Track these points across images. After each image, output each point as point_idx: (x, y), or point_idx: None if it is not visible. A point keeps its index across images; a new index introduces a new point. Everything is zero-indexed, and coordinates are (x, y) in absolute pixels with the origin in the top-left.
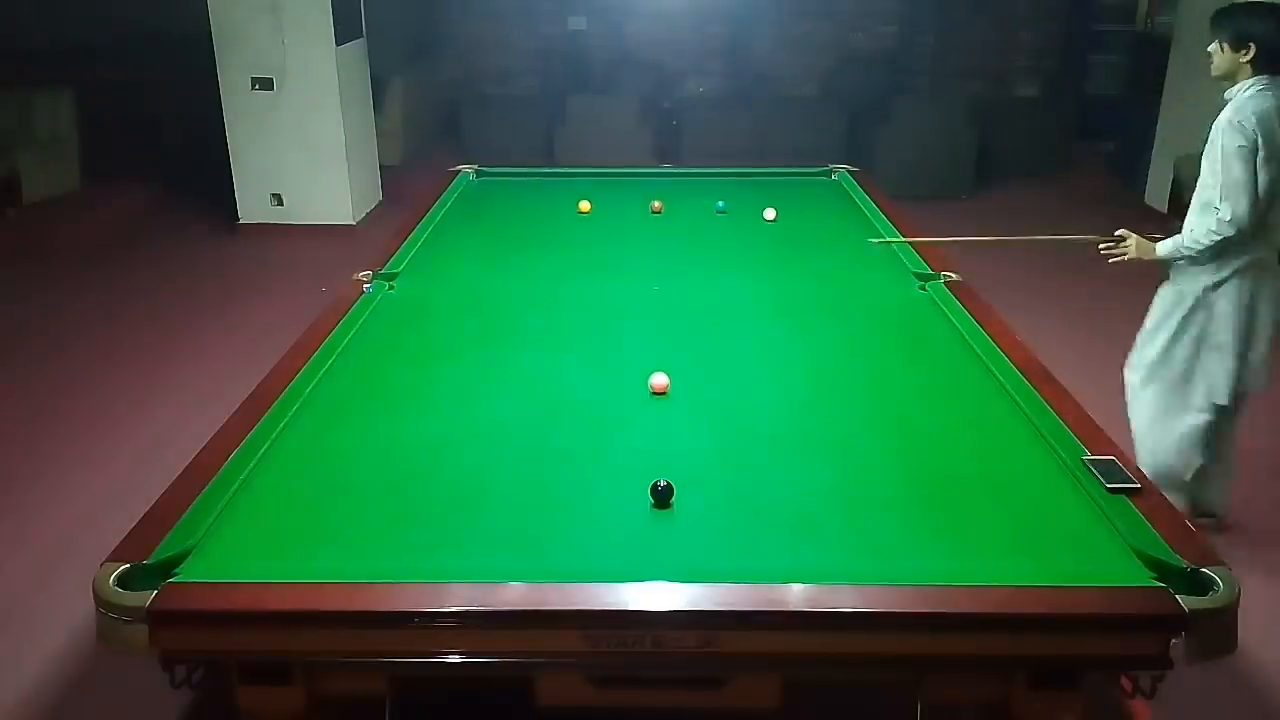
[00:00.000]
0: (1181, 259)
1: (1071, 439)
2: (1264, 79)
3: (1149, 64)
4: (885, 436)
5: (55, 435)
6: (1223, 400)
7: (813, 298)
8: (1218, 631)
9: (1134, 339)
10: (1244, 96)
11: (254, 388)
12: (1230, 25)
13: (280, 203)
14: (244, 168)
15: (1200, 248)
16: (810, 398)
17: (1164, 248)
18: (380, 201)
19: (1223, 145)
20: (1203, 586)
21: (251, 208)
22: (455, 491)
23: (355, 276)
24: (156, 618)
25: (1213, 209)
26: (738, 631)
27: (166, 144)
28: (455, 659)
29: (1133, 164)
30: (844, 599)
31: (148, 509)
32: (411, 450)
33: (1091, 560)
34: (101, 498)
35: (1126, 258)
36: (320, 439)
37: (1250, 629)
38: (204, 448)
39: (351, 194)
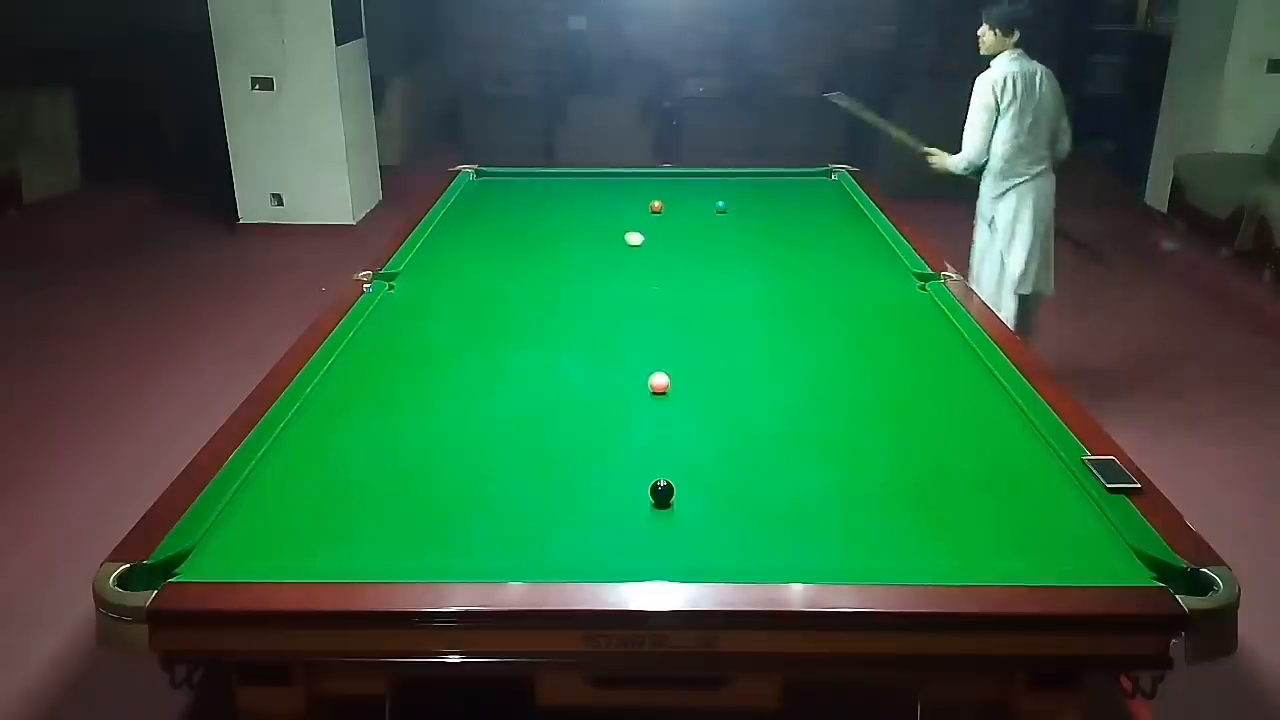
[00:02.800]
0: (968, 177)
1: (1071, 439)
2: (1019, 51)
3: (1149, 64)
4: (885, 436)
5: (55, 435)
6: (1025, 290)
7: (812, 297)
8: (1218, 631)
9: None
10: (1006, 61)
11: (254, 388)
12: (1000, 15)
13: (280, 203)
14: (244, 168)
15: (956, 170)
16: (810, 398)
17: (950, 162)
18: (380, 201)
19: (977, 103)
20: (1203, 586)
21: (251, 208)
22: (455, 491)
23: (355, 276)
24: (156, 618)
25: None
26: (738, 631)
27: (166, 144)
28: (455, 659)
29: (1133, 164)
30: (844, 599)
31: (148, 509)
32: (411, 450)
33: (1091, 560)
34: (102, 498)
35: (935, 165)
36: (320, 439)
37: (1250, 629)
38: (204, 448)
39: (351, 194)
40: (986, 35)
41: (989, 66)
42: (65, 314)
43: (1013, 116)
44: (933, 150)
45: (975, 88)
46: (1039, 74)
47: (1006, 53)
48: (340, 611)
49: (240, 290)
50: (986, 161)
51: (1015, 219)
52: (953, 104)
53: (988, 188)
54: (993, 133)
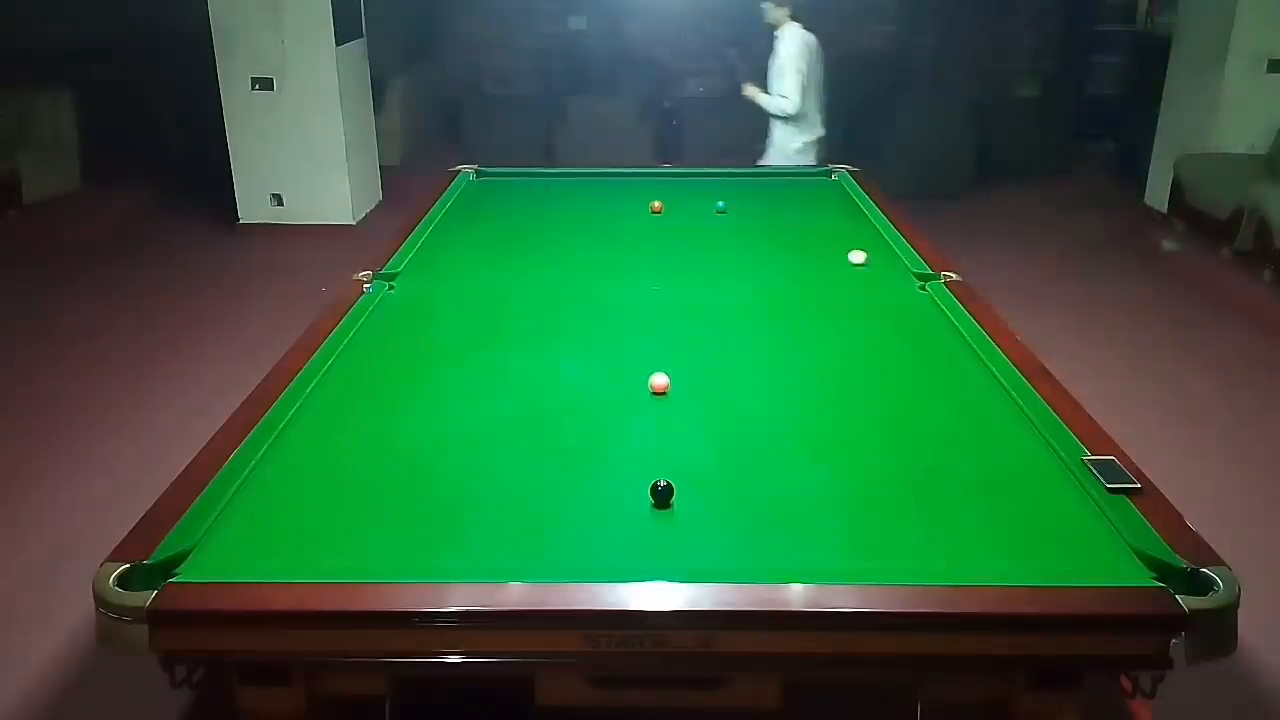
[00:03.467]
0: (772, 115)
1: (1071, 439)
2: (798, 24)
3: (1149, 64)
4: (885, 437)
5: (55, 435)
6: None
7: (812, 298)
8: (1218, 631)
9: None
10: (795, 30)
11: (254, 388)
12: None
13: (280, 203)
14: (244, 168)
15: (776, 111)
16: (810, 398)
17: (764, 100)
18: (380, 201)
19: (790, 53)
20: (1203, 586)
21: (251, 208)
22: (455, 491)
23: (355, 276)
24: (157, 618)
25: (779, 95)
26: (738, 631)
27: (166, 144)
28: (455, 659)
29: (1133, 164)
30: (844, 599)
31: (148, 509)
32: (411, 450)
33: (1091, 560)
34: (102, 498)
35: (750, 94)
36: (320, 439)
37: (1250, 629)
38: (204, 447)
39: (351, 194)
40: (771, 11)
41: (778, 37)
42: (65, 314)
43: (810, 75)
44: (757, 90)
45: (786, 45)
46: (816, 42)
47: (792, 22)
48: (340, 611)
49: (240, 290)
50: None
51: (785, 149)
52: (953, 104)
53: (788, 136)
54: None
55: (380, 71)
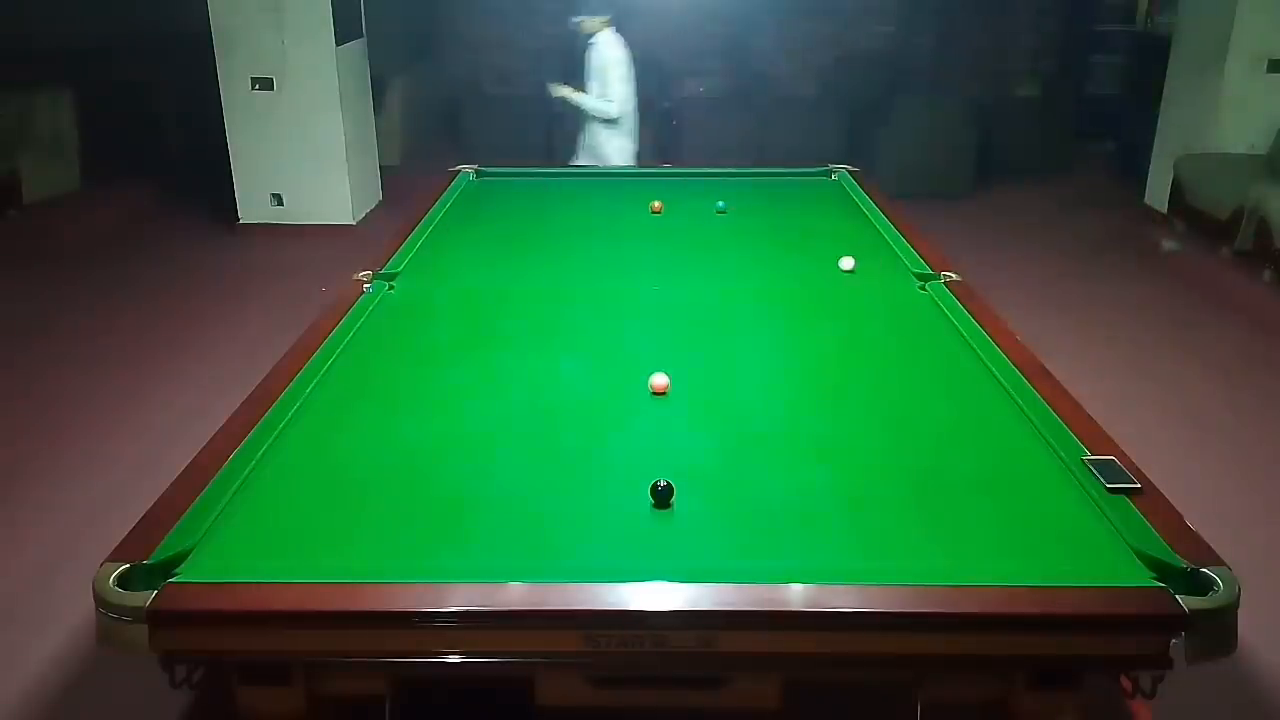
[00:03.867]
0: (600, 124)
1: (1071, 439)
2: (612, 31)
3: (1149, 64)
4: (885, 437)
5: (55, 435)
6: None
7: (812, 298)
8: (1218, 631)
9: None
10: (614, 37)
11: (254, 388)
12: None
13: (280, 203)
14: (244, 168)
15: (599, 113)
16: (810, 398)
17: (584, 102)
18: (380, 201)
19: (616, 57)
20: (1203, 586)
21: (251, 208)
22: (455, 491)
23: (355, 276)
24: (157, 618)
25: (605, 98)
26: (738, 631)
27: (166, 144)
28: (455, 659)
29: (1133, 164)
30: (844, 599)
31: (148, 509)
32: (411, 450)
33: (1091, 560)
34: (102, 498)
35: (565, 94)
36: (320, 439)
37: (1250, 629)
38: (204, 448)
39: (351, 194)
40: (587, 21)
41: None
42: (65, 314)
43: (631, 80)
44: (578, 94)
45: (609, 50)
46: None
47: (608, 30)
48: (340, 611)
49: (240, 290)
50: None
51: (616, 156)
52: (953, 104)
53: (606, 138)
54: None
55: (380, 71)
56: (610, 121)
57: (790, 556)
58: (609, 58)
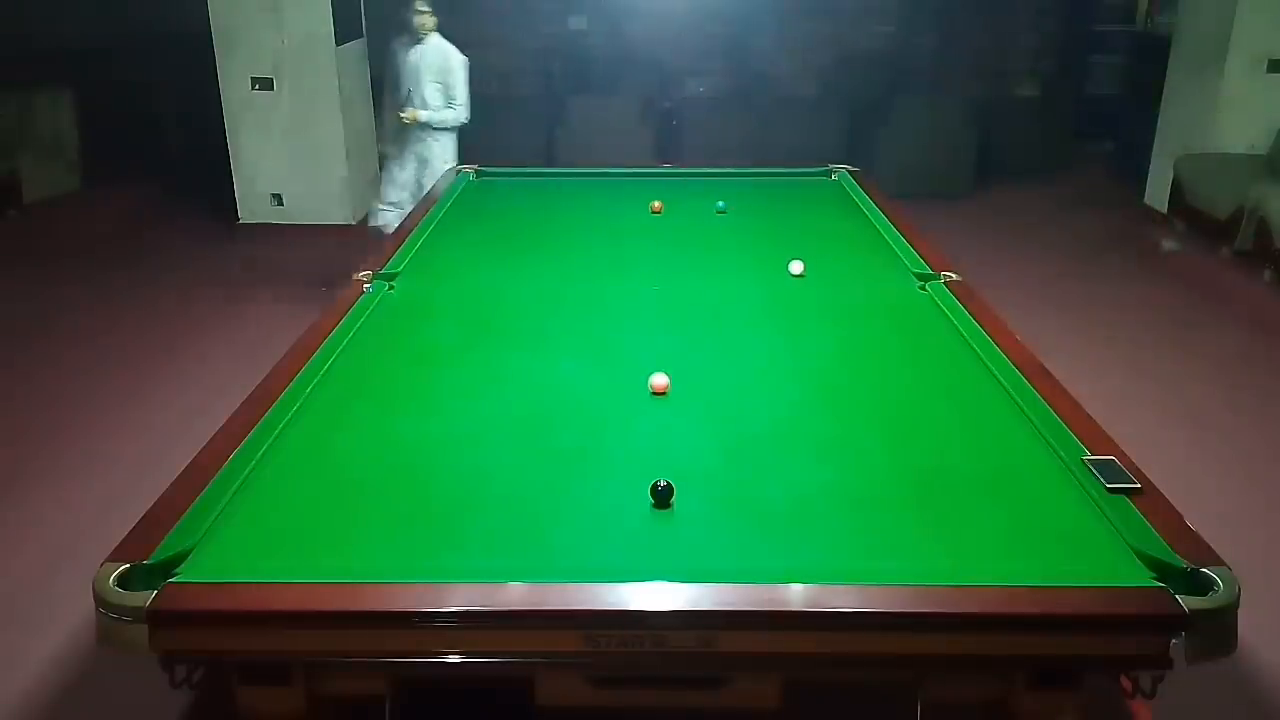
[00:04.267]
0: (435, 129)
1: (1071, 439)
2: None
3: (1149, 64)
4: (885, 437)
5: (55, 435)
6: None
7: (812, 298)
8: (1218, 631)
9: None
10: (441, 41)
11: (254, 388)
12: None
13: (280, 203)
14: (244, 168)
15: (452, 123)
16: (810, 398)
17: (434, 117)
18: None
19: (461, 61)
20: (1203, 586)
21: (251, 208)
22: (455, 491)
23: (355, 276)
24: (157, 618)
25: (451, 105)
26: (738, 631)
27: (166, 144)
28: (455, 659)
29: (1132, 164)
30: (844, 599)
31: (148, 509)
32: (411, 450)
33: (1091, 560)
34: (102, 498)
35: (421, 118)
36: (320, 439)
37: (1250, 629)
38: (204, 448)
39: (351, 194)
40: (428, 20)
41: (423, 41)
42: (65, 314)
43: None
44: (417, 114)
45: (450, 55)
46: None
47: (437, 36)
48: (340, 611)
49: (240, 290)
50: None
51: (444, 162)
52: (953, 104)
53: (448, 151)
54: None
55: (380, 72)
56: (451, 130)
57: (790, 556)
58: (456, 59)
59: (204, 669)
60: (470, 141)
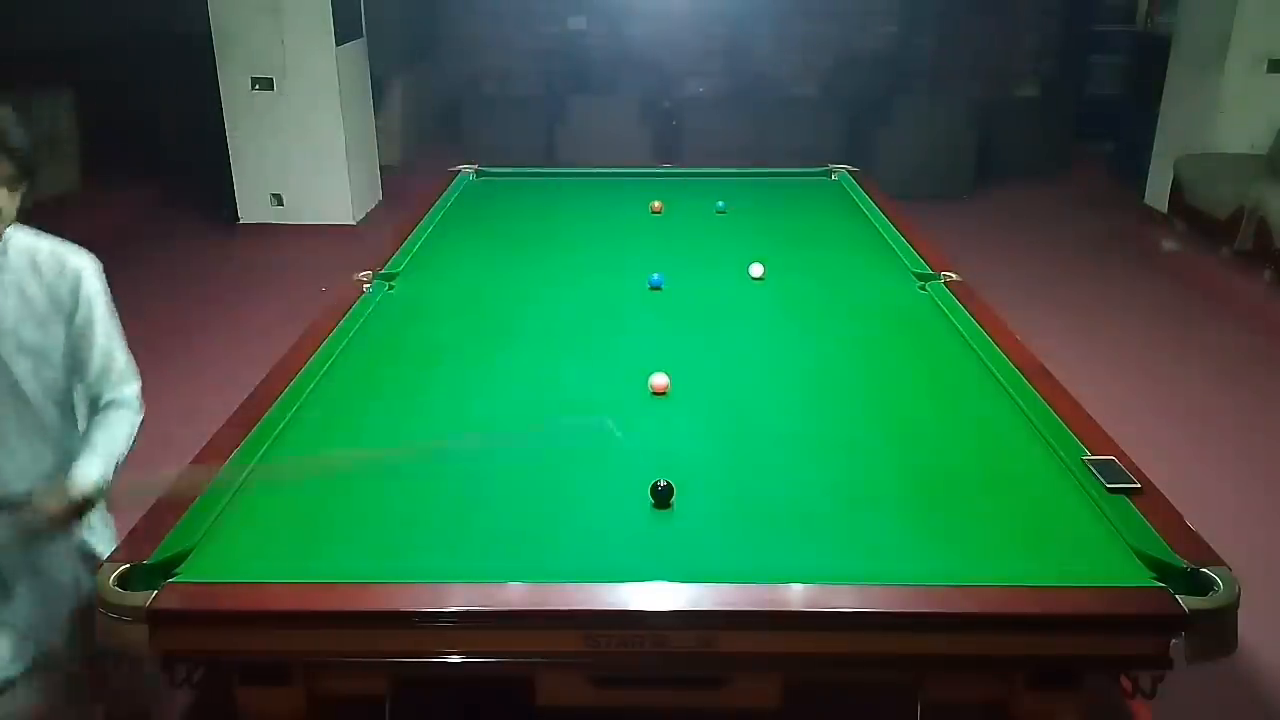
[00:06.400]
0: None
1: (1071, 439)
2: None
3: (1149, 64)
4: (885, 437)
5: None
6: None
7: (812, 298)
8: (1218, 631)
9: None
10: (34, 240)
11: (254, 387)
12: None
13: (280, 203)
14: (244, 168)
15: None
16: (810, 398)
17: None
18: (380, 201)
19: (95, 274)
20: (1203, 586)
21: (251, 208)
22: (455, 491)
23: (355, 277)
24: (157, 618)
25: (115, 392)
26: (738, 631)
27: (166, 144)
28: (455, 659)
29: (1133, 164)
30: (844, 599)
31: (148, 509)
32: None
33: (1091, 560)
34: None
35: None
36: (320, 439)
37: (1250, 629)
38: (204, 447)
39: (351, 194)
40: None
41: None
42: None
43: None
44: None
45: (79, 275)
46: None
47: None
48: (340, 611)
49: (240, 290)
50: None
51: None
52: (953, 104)
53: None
54: None
55: (380, 71)
56: None
57: (790, 556)
58: (86, 272)
59: (204, 669)
60: (470, 141)
